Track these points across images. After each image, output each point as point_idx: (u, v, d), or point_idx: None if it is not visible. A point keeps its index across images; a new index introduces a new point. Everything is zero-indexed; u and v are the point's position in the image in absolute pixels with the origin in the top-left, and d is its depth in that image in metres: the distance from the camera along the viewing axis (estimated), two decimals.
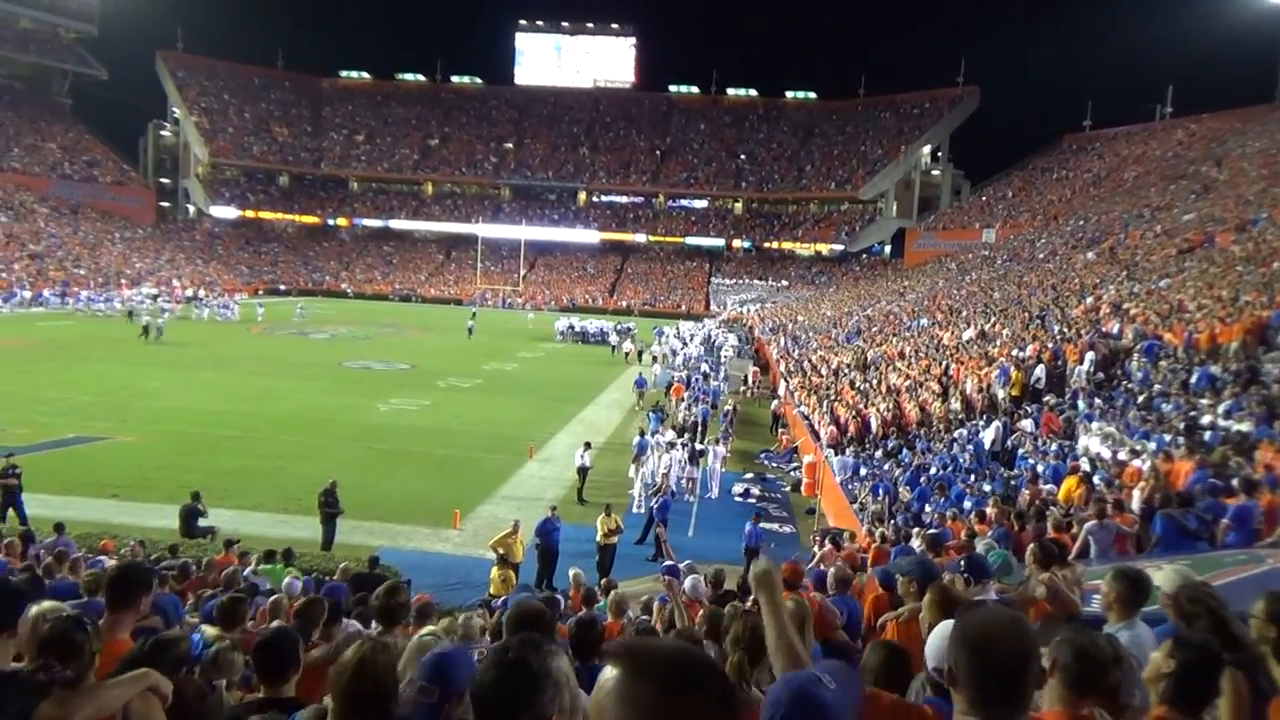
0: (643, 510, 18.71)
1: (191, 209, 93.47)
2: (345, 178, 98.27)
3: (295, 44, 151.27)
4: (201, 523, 15.21)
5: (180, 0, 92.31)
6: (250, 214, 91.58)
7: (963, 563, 4.91)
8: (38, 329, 45.06)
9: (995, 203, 78.03)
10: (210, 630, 5.08)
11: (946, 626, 2.95)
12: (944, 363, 25.51)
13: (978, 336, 27.61)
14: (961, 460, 17.19)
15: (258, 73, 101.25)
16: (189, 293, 67.07)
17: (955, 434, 19.17)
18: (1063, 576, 4.79)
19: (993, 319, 29.77)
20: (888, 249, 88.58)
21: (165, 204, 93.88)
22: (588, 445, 21.11)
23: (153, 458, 20.90)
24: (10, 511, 15.67)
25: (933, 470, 16.88)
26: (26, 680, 2.79)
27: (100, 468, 19.85)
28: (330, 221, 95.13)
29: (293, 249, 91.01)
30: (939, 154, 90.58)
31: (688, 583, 7.58)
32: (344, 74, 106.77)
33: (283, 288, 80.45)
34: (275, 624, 4.51)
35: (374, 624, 5.20)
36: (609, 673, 1.27)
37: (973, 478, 15.72)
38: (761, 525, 16.68)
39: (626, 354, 47.68)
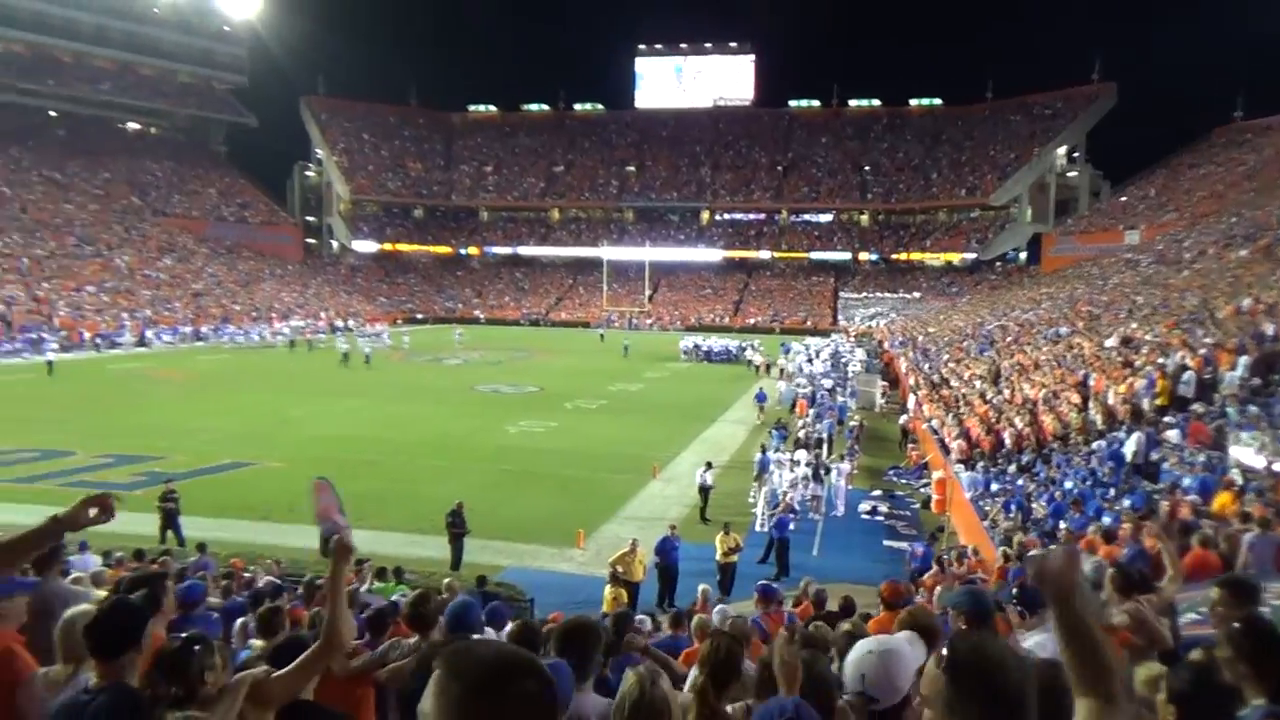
0: (765, 529, 18.53)
1: (335, 244, 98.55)
2: (475, 208, 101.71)
3: (427, 82, 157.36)
4: None
5: (322, 48, 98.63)
6: (388, 247, 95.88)
7: (1014, 591, 4.53)
8: (198, 362, 48.45)
9: (1138, 203, 73.96)
10: (258, 642, 5.40)
11: (860, 648, 2.82)
12: (1083, 372, 24.35)
13: (1121, 344, 26.24)
14: (1100, 474, 16.35)
15: (393, 111, 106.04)
16: (337, 323, 70.89)
17: (1094, 446, 18.26)
18: (1148, 602, 4.41)
19: (1137, 325, 28.25)
20: (1023, 256, 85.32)
21: (311, 241, 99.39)
22: (709, 465, 21.06)
23: (298, 482, 21.91)
24: (169, 532, 16.85)
25: (1068, 485, 16.11)
26: (146, 699, 2.99)
27: (250, 492, 21.07)
28: (462, 251, 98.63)
29: (428, 278, 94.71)
30: (1075, 155, 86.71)
31: (715, 614, 7.44)
32: (473, 108, 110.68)
33: (420, 316, 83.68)
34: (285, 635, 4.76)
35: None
36: (435, 673, 1.35)
37: (1112, 492, 14.93)
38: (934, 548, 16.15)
39: (756, 368, 48.26)
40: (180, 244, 75.65)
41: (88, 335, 53.12)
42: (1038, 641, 3.79)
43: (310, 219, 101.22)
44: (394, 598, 8.84)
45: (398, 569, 12.73)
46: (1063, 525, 13.76)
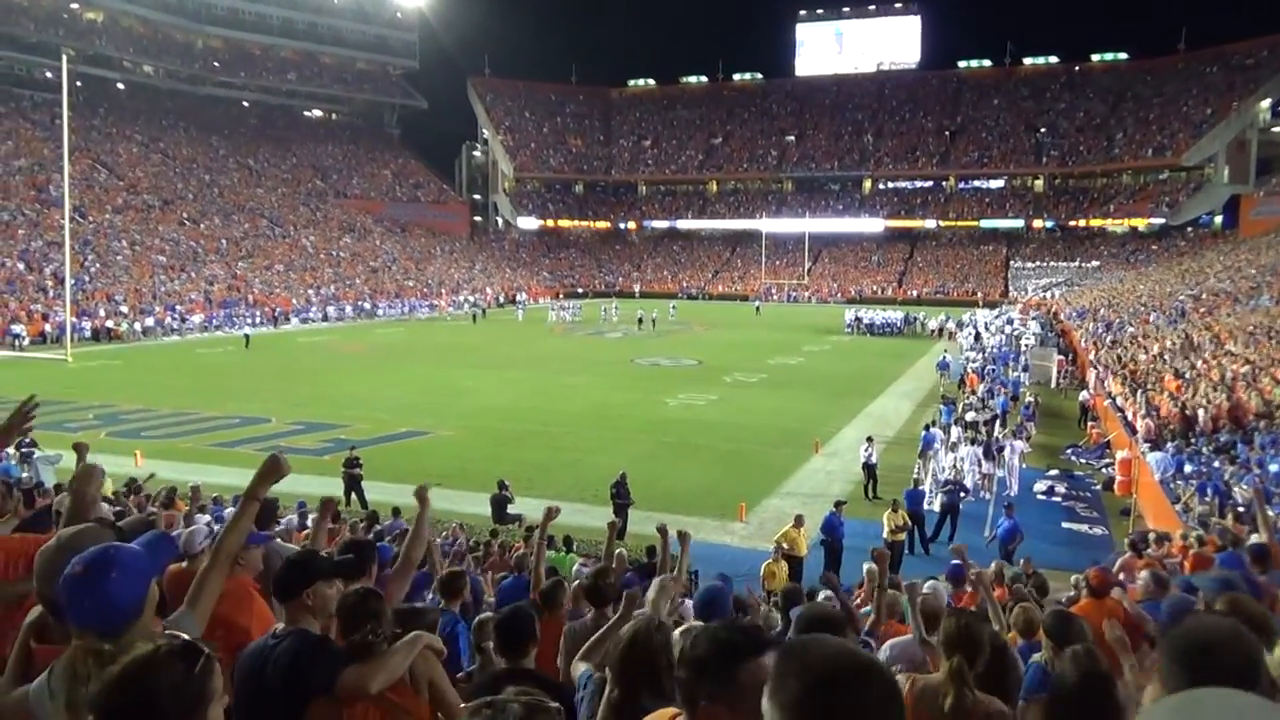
0: (934, 506, 18.00)
1: (500, 221, 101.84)
2: (634, 182, 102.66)
3: (587, 59, 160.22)
4: (510, 510, 16.56)
5: (487, 31, 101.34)
6: (550, 223, 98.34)
7: None
8: (377, 335, 51.22)
9: None
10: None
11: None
12: None
13: None
14: None
15: (554, 89, 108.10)
16: (504, 297, 73.83)
17: None
18: None
19: None
20: (1218, 219, 78.80)
21: (477, 218, 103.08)
22: (870, 440, 20.59)
23: (469, 450, 22.99)
24: (354, 496, 17.94)
25: (1273, 468, 14.86)
26: (331, 644, 3.21)
27: (426, 459, 22.11)
28: (621, 225, 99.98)
29: (588, 253, 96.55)
30: None
31: (928, 588, 7.21)
32: (632, 83, 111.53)
33: (580, 291, 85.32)
34: (513, 605, 4.92)
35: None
36: (774, 667, 1.34)
37: None
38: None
39: (932, 331, 49.68)
40: (359, 223, 80.00)
41: (280, 310, 57.06)
42: None
43: (476, 197, 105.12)
44: (576, 566, 9.11)
45: (567, 539, 13.07)
46: (1271, 512, 12.70)
